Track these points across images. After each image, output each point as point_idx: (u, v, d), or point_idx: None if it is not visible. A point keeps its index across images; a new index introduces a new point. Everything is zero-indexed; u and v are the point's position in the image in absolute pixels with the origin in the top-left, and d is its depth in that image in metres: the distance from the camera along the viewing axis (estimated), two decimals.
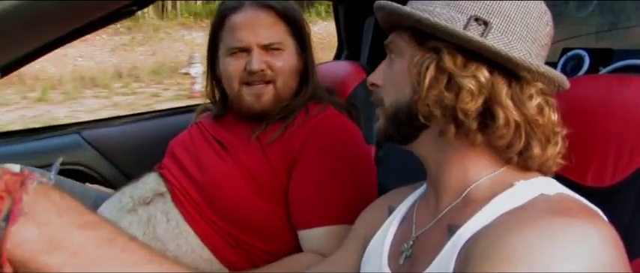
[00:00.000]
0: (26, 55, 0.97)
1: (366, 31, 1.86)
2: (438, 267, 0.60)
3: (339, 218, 1.02)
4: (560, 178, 0.65)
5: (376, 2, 0.70)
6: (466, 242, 0.57)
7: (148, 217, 1.09)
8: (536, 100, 0.61)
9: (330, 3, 2.06)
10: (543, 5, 0.66)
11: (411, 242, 0.69)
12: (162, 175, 1.17)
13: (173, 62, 8.03)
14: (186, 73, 7.16)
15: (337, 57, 2.02)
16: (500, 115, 0.60)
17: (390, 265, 0.70)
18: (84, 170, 1.62)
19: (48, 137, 1.67)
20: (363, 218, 0.85)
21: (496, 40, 0.60)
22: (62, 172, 1.39)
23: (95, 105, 6.25)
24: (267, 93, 1.10)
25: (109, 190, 1.42)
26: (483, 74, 0.61)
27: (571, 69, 1.26)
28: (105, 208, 1.16)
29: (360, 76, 1.43)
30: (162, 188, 1.14)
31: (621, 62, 1.19)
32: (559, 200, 0.58)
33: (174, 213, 1.09)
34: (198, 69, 6.64)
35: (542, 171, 0.65)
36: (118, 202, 1.14)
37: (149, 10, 8.55)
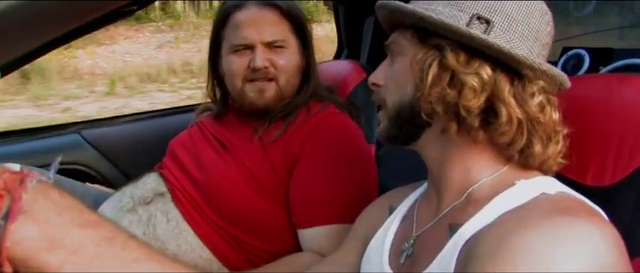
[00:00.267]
0: (26, 54, 0.97)
1: (365, 31, 1.86)
2: (438, 266, 0.60)
3: (340, 217, 1.02)
4: (560, 177, 0.65)
5: (379, 1, 0.71)
6: (467, 241, 0.57)
7: (148, 216, 1.09)
8: (538, 99, 0.61)
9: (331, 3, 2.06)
10: (544, 5, 0.66)
11: (412, 241, 0.69)
12: (162, 175, 1.17)
13: None
14: None
15: (337, 56, 2.02)
16: (503, 111, 0.60)
17: (390, 263, 0.70)
18: (84, 170, 1.63)
19: (48, 137, 1.67)
20: (363, 217, 0.85)
21: (498, 39, 0.61)
22: (62, 172, 1.40)
23: (168, 98, 6.32)
24: (270, 89, 1.11)
25: (109, 190, 1.42)
26: (486, 71, 0.61)
27: (571, 68, 1.26)
28: (105, 208, 1.16)
29: (360, 76, 1.43)
30: (163, 188, 1.14)
31: (621, 61, 1.19)
32: (560, 199, 0.58)
33: (174, 213, 1.09)
34: None
35: (543, 170, 0.65)
36: (118, 202, 1.14)
37: (187, 9, 8.65)
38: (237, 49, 1.11)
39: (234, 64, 1.11)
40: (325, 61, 1.73)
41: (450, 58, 0.61)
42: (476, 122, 0.62)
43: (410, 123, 0.68)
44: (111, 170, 1.66)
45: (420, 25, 0.64)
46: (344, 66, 1.55)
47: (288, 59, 1.12)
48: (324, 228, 1.02)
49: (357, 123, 1.17)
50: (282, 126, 1.10)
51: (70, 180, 1.38)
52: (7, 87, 6.35)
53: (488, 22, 0.61)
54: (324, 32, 5.11)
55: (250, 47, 1.10)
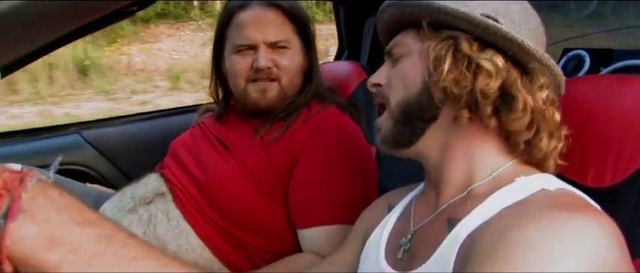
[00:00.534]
0: (26, 55, 0.97)
1: (366, 32, 1.86)
2: (436, 261, 0.60)
3: (340, 218, 1.02)
4: (560, 178, 0.65)
5: (387, 2, 0.72)
6: (466, 237, 0.58)
7: (149, 216, 1.09)
8: (545, 93, 0.64)
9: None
10: (539, 18, 0.70)
11: (410, 236, 0.69)
12: (163, 175, 1.17)
13: None
14: None
15: (338, 57, 2.02)
16: (519, 97, 0.62)
17: (387, 259, 0.71)
18: (84, 170, 1.63)
19: (48, 137, 1.67)
20: (363, 218, 0.85)
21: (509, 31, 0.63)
22: (63, 172, 1.40)
23: None
24: (273, 89, 1.11)
25: (109, 190, 1.42)
26: (499, 60, 0.63)
27: (572, 69, 1.26)
28: (105, 209, 1.16)
29: (361, 77, 1.43)
30: (164, 188, 1.14)
31: (622, 62, 1.19)
32: (559, 195, 0.59)
33: (175, 212, 1.09)
34: None
35: (543, 167, 0.66)
36: (119, 202, 1.14)
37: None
38: (240, 49, 1.12)
39: (237, 64, 1.12)
40: (325, 62, 1.73)
41: (465, 47, 0.63)
42: (489, 109, 0.63)
43: (417, 118, 0.68)
44: (111, 171, 1.67)
45: (432, 18, 0.66)
46: (344, 67, 1.55)
47: (290, 59, 1.12)
48: (324, 228, 1.02)
49: (358, 124, 1.17)
50: (283, 126, 1.10)
51: (70, 180, 1.39)
52: (69, 81, 6.54)
53: (496, 20, 0.63)
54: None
55: (253, 47, 1.10)
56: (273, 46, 1.11)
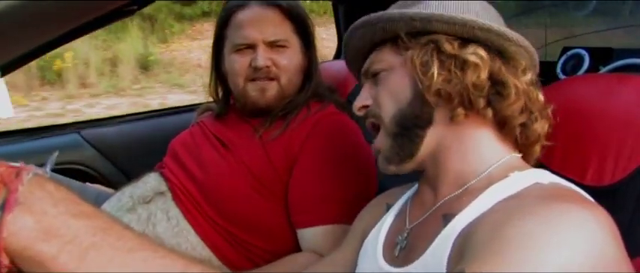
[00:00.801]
0: (25, 54, 0.97)
1: None
2: (432, 254, 0.60)
3: (338, 217, 1.02)
4: (559, 177, 0.65)
5: (357, 23, 0.73)
6: (462, 230, 0.58)
7: (148, 215, 1.09)
8: (528, 75, 0.66)
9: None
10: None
11: (406, 234, 0.70)
12: (162, 175, 1.17)
13: None
14: None
15: (337, 56, 2.02)
16: (509, 81, 0.64)
17: (384, 256, 0.71)
18: (84, 170, 1.63)
19: (48, 137, 1.67)
20: (362, 217, 0.85)
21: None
22: (62, 172, 1.40)
23: None
24: (272, 88, 1.11)
25: (109, 190, 1.42)
26: (482, 51, 0.65)
27: (571, 68, 1.26)
28: (105, 208, 1.16)
29: None
30: (163, 187, 1.14)
31: (621, 61, 1.19)
32: (553, 188, 0.60)
33: (175, 211, 1.09)
34: None
35: (531, 151, 0.68)
36: (118, 202, 1.14)
37: None
38: (240, 49, 1.12)
39: (237, 63, 1.12)
40: (325, 61, 1.73)
41: (447, 47, 0.65)
42: (482, 102, 0.64)
43: (413, 126, 0.69)
44: (111, 170, 1.67)
45: (409, 28, 0.68)
46: (344, 66, 1.54)
47: (289, 59, 1.12)
48: (323, 228, 1.02)
49: (357, 122, 1.17)
50: (283, 125, 1.10)
51: (68, 179, 1.38)
52: (135, 76, 6.64)
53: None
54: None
55: (252, 46, 1.11)
56: (272, 45, 1.11)
